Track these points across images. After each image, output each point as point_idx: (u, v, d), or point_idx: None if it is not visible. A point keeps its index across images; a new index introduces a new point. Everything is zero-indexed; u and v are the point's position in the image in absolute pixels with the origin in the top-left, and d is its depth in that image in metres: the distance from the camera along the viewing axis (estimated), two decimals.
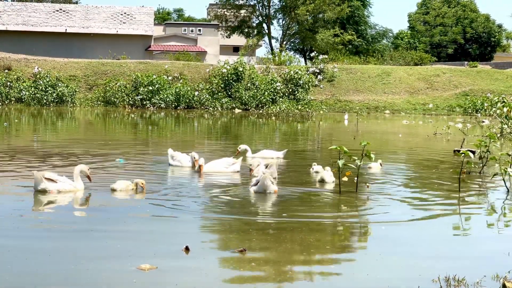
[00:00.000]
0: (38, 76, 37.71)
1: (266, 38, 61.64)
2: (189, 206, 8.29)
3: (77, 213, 7.91)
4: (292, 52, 68.49)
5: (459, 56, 76.92)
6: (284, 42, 61.16)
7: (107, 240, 6.36)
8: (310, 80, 41.27)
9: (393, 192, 9.78)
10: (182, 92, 38.14)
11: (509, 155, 11.27)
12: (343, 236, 7.07)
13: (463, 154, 10.26)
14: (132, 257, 5.72)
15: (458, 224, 7.87)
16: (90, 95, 38.59)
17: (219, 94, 39.13)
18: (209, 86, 39.53)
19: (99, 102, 37.97)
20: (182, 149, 13.35)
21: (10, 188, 9.30)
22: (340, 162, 9.21)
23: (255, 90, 39.18)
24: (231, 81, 39.27)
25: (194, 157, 11.55)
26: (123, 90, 38.10)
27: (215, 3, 63.17)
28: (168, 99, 37.96)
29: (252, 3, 59.80)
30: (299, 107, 39.26)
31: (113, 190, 8.99)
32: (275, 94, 39.63)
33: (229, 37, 60.61)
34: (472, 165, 11.08)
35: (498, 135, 21.31)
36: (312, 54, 46.47)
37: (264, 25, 60.29)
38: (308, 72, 42.47)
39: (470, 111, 40.15)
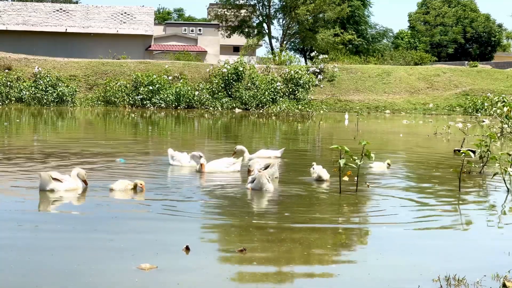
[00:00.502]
0: (38, 76, 37.71)
1: (266, 38, 61.71)
2: (189, 206, 8.29)
3: (78, 213, 7.90)
4: (292, 52, 68.59)
5: (460, 55, 76.95)
6: (285, 42, 61.17)
7: (107, 240, 6.36)
8: (310, 80, 41.27)
9: (394, 192, 9.78)
10: (182, 92, 38.14)
11: (510, 155, 11.26)
12: (343, 236, 7.07)
13: (463, 154, 10.26)
14: (132, 256, 5.73)
15: (458, 223, 7.87)
16: (90, 95, 38.59)
17: (220, 94, 39.13)
18: (209, 86, 39.53)
19: (99, 102, 37.97)
20: (182, 148, 13.35)
21: (11, 188, 9.29)
22: (341, 162, 9.21)
23: (255, 90, 39.18)
24: (231, 81, 39.27)
25: (201, 155, 11.54)
26: (123, 90, 38.10)
27: (215, 3, 63.19)
28: (168, 99, 37.96)
29: (252, 3, 59.82)
30: (300, 107, 39.26)
31: (112, 190, 9.00)
32: (276, 94, 39.62)
33: (229, 37, 60.62)
34: (473, 165, 11.08)
35: (498, 134, 21.31)
36: (312, 54, 46.47)
37: (265, 25, 60.30)
38: (308, 72, 42.47)
39: (470, 110, 40.14)
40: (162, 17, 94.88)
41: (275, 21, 61.73)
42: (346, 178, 9.42)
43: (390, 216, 8.00)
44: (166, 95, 37.97)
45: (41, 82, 37.25)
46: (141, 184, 9.07)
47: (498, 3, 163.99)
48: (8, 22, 53.20)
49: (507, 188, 10.04)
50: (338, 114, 37.76)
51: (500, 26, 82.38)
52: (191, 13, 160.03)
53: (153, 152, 15.59)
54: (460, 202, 9.19)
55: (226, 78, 39.27)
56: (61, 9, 55.69)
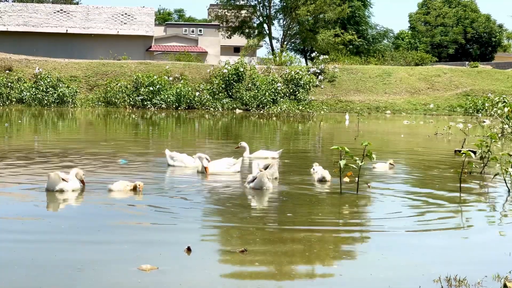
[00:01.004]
0: (39, 76, 37.74)
1: (267, 39, 61.69)
2: (190, 207, 8.29)
3: (78, 214, 7.89)
4: (293, 52, 68.56)
5: (460, 56, 76.96)
6: (285, 43, 61.17)
7: (108, 241, 6.37)
8: (311, 80, 41.28)
9: (394, 192, 9.77)
10: (183, 93, 38.15)
11: (510, 155, 11.26)
12: (344, 236, 7.07)
13: (464, 154, 10.25)
14: (133, 257, 5.73)
15: (459, 224, 7.87)
16: (91, 96, 38.61)
17: (220, 94, 39.14)
18: (210, 87, 39.55)
19: (100, 103, 37.99)
20: (183, 149, 13.35)
21: (12, 188, 9.29)
22: (342, 162, 9.21)
23: (256, 91, 39.19)
24: (232, 81, 39.29)
25: (207, 158, 11.56)
26: (124, 91, 38.12)
27: (215, 3, 63.21)
28: (169, 100, 37.97)
29: (252, 4, 59.83)
30: (300, 108, 39.27)
31: (110, 190, 9.01)
32: (276, 94, 39.63)
33: (230, 38, 60.63)
34: (473, 165, 11.07)
35: (499, 135, 21.30)
36: (313, 55, 46.49)
37: (265, 25, 60.31)
38: (309, 73, 42.48)
39: (471, 111, 40.14)
40: (162, 18, 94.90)
41: (275, 22, 61.79)
42: (346, 179, 9.42)
43: (390, 217, 8.00)
44: (166, 96, 37.98)
45: (42, 83, 37.28)
46: (139, 185, 9.07)
47: (499, 3, 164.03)
48: (8, 23, 53.23)
49: (508, 188, 10.03)
50: (339, 114, 37.76)
51: (500, 26, 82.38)
52: (192, 14, 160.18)
53: (154, 153, 15.59)
54: (461, 202, 9.18)
55: (227, 78, 39.29)
56: (61, 10, 55.73)
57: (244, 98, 38.73)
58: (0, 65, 38.54)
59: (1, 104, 36.15)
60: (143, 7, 58.29)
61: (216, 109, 38.19)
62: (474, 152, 12.64)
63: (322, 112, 39.30)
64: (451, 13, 79.98)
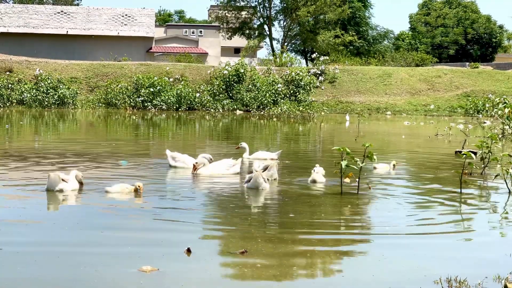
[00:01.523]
0: (39, 78, 37.74)
1: (267, 40, 61.72)
2: (190, 208, 8.29)
3: (78, 215, 7.89)
4: (293, 53, 68.58)
5: (461, 57, 76.96)
6: (285, 44, 61.18)
7: (108, 243, 6.37)
8: (311, 81, 41.28)
9: (395, 193, 9.77)
10: (183, 94, 38.16)
11: (511, 156, 11.25)
12: (345, 237, 7.07)
13: (464, 155, 10.25)
14: (133, 259, 5.72)
15: (460, 225, 7.86)
16: (91, 97, 38.62)
17: (221, 95, 39.15)
18: (210, 88, 39.55)
19: (100, 104, 38.00)
20: (184, 150, 13.35)
21: (14, 189, 9.29)
22: (343, 163, 9.21)
23: (257, 92, 39.20)
24: (232, 82, 39.29)
25: (211, 158, 11.62)
26: (124, 92, 38.13)
27: (216, 4, 63.22)
28: (169, 101, 37.98)
29: (253, 5, 59.84)
30: (301, 109, 39.27)
31: (107, 192, 9.01)
32: (276, 95, 39.64)
33: (230, 39, 60.65)
34: (474, 166, 11.07)
35: (500, 136, 21.29)
36: (313, 56, 46.49)
37: (265, 26, 60.34)
38: (309, 74, 42.48)
39: (471, 112, 40.13)
40: (163, 19, 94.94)
41: (276, 23, 61.79)
42: (347, 180, 9.41)
43: (391, 218, 8.00)
44: (167, 97, 37.99)
45: (42, 84, 37.29)
46: (139, 187, 9.07)
47: (499, 4, 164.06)
48: (9, 24, 53.27)
49: (509, 189, 10.03)
50: (339, 115, 37.75)
51: (501, 27, 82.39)
52: (192, 15, 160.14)
53: (155, 154, 15.59)
54: (462, 203, 9.18)
55: (227, 79, 39.29)
56: (62, 11, 55.74)
57: (245, 99, 38.74)
58: (0, 66, 38.54)
59: (1, 106, 36.16)
60: (144, 8, 58.32)
61: (217, 110, 38.20)
62: (475, 153, 12.64)
63: (322, 113, 39.30)
64: (452, 14, 80.00)
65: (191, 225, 7.32)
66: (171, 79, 39.72)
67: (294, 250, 6.30)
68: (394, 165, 12.61)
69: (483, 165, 12.24)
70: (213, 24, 65.43)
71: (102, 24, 54.80)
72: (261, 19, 60.41)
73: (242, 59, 42.47)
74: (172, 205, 8.51)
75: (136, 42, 54.71)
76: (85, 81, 39.64)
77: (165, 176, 11.39)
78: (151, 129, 24.96)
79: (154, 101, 37.92)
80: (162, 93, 38.12)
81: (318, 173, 10.64)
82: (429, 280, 5.33)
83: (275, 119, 33.36)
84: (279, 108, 38.75)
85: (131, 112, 36.04)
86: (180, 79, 40.13)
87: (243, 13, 59.37)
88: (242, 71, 39.48)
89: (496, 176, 10.66)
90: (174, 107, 37.97)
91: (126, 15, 55.84)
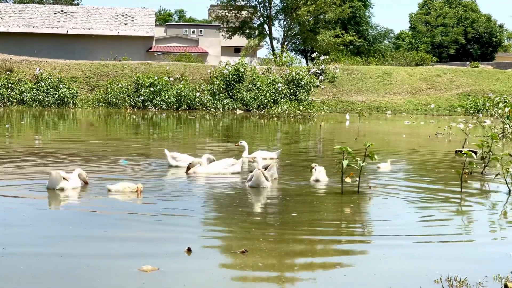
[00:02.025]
0: (39, 77, 37.75)
1: (267, 39, 61.65)
2: (191, 207, 8.29)
3: (78, 215, 7.89)
4: (294, 53, 68.55)
5: (461, 56, 76.90)
6: (286, 43, 61.15)
7: (108, 242, 6.37)
8: (312, 80, 41.27)
9: (395, 193, 9.77)
10: (183, 93, 38.17)
11: (511, 155, 11.25)
12: (346, 237, 7.07)
13: (465, 155, 10.25)
14: (133, 258, 5.72)
15: (460, 224, 7.86)
16: (91, 97, 38.62)
17: (221, 95, 39.15)
18: (211, 87, 39.55)
19: (100, 104, 38.00)
20: (184, 150, 13.35)
21: (15, 188, 9.28)
22: (345, 163, 9.20)
23: (257, 91, 39.20)
24: (232, 82, 39.29)
25: (214, 159, 11.66)
26: (124, 92, 38.13)
27: (216, 4, 63.19)
28: (169, 100, 37.99)
29: (253, 4, 59.80)
30: (301, 108, 39.26)
31: (109, 191, 9.03)
32: (277, 95, 39.63)
33: (230, 38, 60.62)
34: (474, 166, 11.07)
35: (500, 135, 21.29)
36: (314, 55, 46.47)
37: (265, 26, 60.29)
38: (309, 73, 42.48)
39: (471, 111, 40.13)
40: (163, 19, 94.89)
41: (276, 22, 61.73)
42: (348, 180, 9.40)
43: (391, 217, 8.00)
44: (167, 97, 37.99)
45: (43, 84, 37.29)
46: (138, 187, 9.07)
47: (499, 3, 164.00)
48: (9, 24, 53.26)
49: (509, 188, 10.03)
50: (339, 115, 37.75)
51: (501, 26, 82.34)
52: (192, 15, 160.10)
53: (155, 153, 15.59)
54: (462, 203, 9.18)
55: (227, 79, 39.29)
56: (62, 11, 55.73)
57: (245, 98, 38.74)
58: (0, 66, 38.55)
59: (1, 105, 36.16)
60: (144, 8, 58.29)
61: (217, 109, 38.20)
62: (475, 152, 12.63)
63: (322, 112, 39.30)
64: (452, 13, 79.93)
65: (191, 224, 7.32)
66: (171, 79, 39.71)
67: (295, 249, 6.29)
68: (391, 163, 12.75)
69: (483, 165, 12.23)
70: (213, 23, 65.39)
71: (102, 23, 54.79)
72: (261, 18, 60.36)
73: (242, 58, 42.46)
74: (172, 204, 8.51)
75: (136, 41, 54.70)
76: (85, 80, 39.64)
77: (166, 175, 11.39)
78: (151, 129, 24.96)
79: (154, 100, 37.92)
80: (162, 93, 38.12)
81: (321, 172, 10.63)
82: (429, 279, 5.34)
83: (275, 119, 33.36)
84: (279, 108, 38.74)
85: (131, 111, 36.05)
86: (180, 78, 40.12)
87: (243, 12, 59.33)
88: (242, 70, 39.48)
89: (497, 175, 10.66)
90: (174, 107, 37.97)
91: (126, 14, 55.82)
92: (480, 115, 38.32)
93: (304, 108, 39.35)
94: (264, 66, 43.98)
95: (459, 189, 9.88)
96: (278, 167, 11.17)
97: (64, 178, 9.02)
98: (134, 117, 31.62)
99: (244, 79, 39.63)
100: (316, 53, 47.86)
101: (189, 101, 38.28)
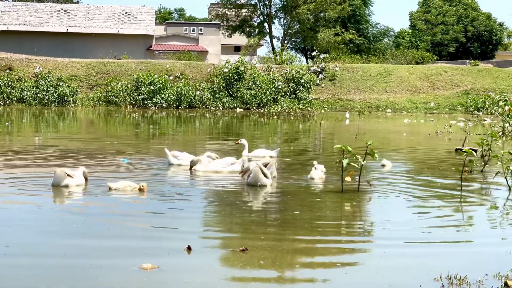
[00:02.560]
0: (39, 76, 37.74)
1: (267, 37, 61.59)
2: (191, 205, 8.30)
3: (78, 213, 7.89)
4: (294, 51, 68.50)
5: (461, 54, 76.87)
6: (286, 41, 61.11)
7: (108, 240, 6.37)
8: (312, 79, 41.26)
9: (395, 191, 9.77)
10: (183, 92, 38.16)
11: (511, 154, 11.25)
12: (346, 235, 7.07)
13: (465, 153, 10.25)
14: (133, 256, 5.73)
15: (460, 222, 7.86)
16: (91, 95, 38.61)
17: (221, 93, 39.14)
18: (211, 86, 39.55)
19: (100, 102, 38.00)
20: (184, 148, 13.36)
21: (16, 187, 9.28)
22: (345, 161, 9.20)
23: (257, 89, 39.19)
24: (232, 80, 39.28)
25: (217, 157, 11.69)
26: (124, 90, 38.12)
27: (216, 2, 63.17)
28: (169, 99, 37.98)
29: (253, 3, 59.75)
30: (301, 106, 39.25)
31: (110, 189, 9.04)
32: (277, 93, 39.63)
33: (230, 37, 60.57)
34: (474, 164, 11.07)
35: (500, 133, 21.28)
36: (314, 53, 46.44)
37: (265, 24, 60.23)
38: (309, 71, 42.47)
39: (471, 109, 40.13)
40: (163, 17, 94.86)
41: (276, 21, 61.67)
42: (348, 179, 9.39)
43: (392, 215, 8.00)
44: (167, 95, 37.99)
45: (42, 82, 37.28)
46: (142, 186, 9.09)
47: (499, 2, 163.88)
48: (9, 22, 53.23)
49: (509, 186, 10.03)
50: (339, 113, 37.75)
51: (501, 25, 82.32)
52: (192, 13, 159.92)
53: (155, 152, 15.60)
54: (462, 201, 9.18)
55: (227, 77, 39.28)
56: (62, 9, 55.70)
57: (245, 97, 38.73)
58: (0, 64, 38.54)
59: (1, 104, 36.16)
60: (144, 6, 58.25)
61: (217, 108, 38.19)
62: (475, 151, 12.63)
63: (322, 111, 39.29)
64: (452, 11, 79.88)
65: (191, 222, 7.32)
66: (171, 77, 39.70)
67: (295, 247, 6.29)
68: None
69: (483, 163, 12.23)
70: (213, 22, 65.34)
71: (102, 22, 54.76)
72: (261, 17, 60.30)
73: (242, 57, 42.44)
74: (172, 202, 8.52)
75: (136, 40, 54.67)
76: (85, 79, 39.63)
77: (166, 174, 11.40)
78: (151, 127, 24.96)
79: (154, 99, 37.92)
80: (162, 91, 38.12)
81: (317, 170, 10.66)
82: (429, 277, 5.34)
83: (275, 117, 33.36)
84: (279, 106, 38.73)
85: (131, 110, 36.04)
86: (180, 77, 40.11)
87: (243, 11, 59.27)
88: (242, 69, 39.47)
89: (497, 173, 10.66)
90: (174, 105, 37.97)
91: (126, 13, 55.80)
92: (480, 113, 38.31)
93: (304, 107, 39.34)
94: (264, 65, 43.97)
95: (459, 187, 9.88)
96: (277, 165, 11.17)
97: (68, 175, 9.08)
98: (134, 115, 31.62)
99: (244, 78, 39.61)
100: (316, 51, 47.85)
101: (189, 100, 38.27)
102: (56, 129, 23.09)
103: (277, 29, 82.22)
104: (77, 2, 71.08)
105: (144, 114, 32.46)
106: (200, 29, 63.92)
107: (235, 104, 38.68)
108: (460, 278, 5.28)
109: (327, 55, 46.51)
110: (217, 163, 11.52)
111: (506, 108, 21.78)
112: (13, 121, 25.45)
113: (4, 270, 5.34)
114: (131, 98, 37.94)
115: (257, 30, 60.09)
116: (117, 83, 38.33)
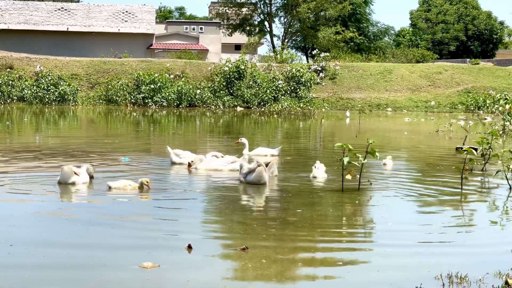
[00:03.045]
0: (40, 74, 37.73)
1: (267, 36, 61.56)
2: (191, 205, 8.31)
3: (78, 212, 7.89)
4: (294, 50, 68.48)
5: (461, 53, 76.83)
6: (286, 40, 61.09)
7: (109, 239, 6.37)
8: (312, 78, 41.24)
9: (396, 190, 9.78)
10: (184, 91, 38.14)
11: None
12: (347, 234, 7.07)
13: (465, 151, 10.25)
14: (134, 255, 5.73)
15: (461, 221, 7.87)
16: (92, 94, 38.60)
17: (221, 92, 39.13)
18: (211, 84, 39.53)
19: (101, 101, 37.99)
20: (185, 147, 13.35)
21: (18, 186, 9.29)
22: (345, 160, 9.20)
23: (257, 88, 39.18)
24: (233, 79, 39.27)
25: (222, 156, 11.72)
26: (125, 89, 38.11)
27: (216, 1, 63.14)
28: (170, 98, 37.97)
29: (253, 1, 59.72)
30: (301, 105, 39.25)
31: (110, 188, 9.03)
32: (277, 92, 39.62)
33: (231, 35, 60.54)
34: (475, 162, 11.07)
35: (500, 132, 21.28)
36: (314, 52, 46.43)
37: (266, 23, 60.21)
38: (310, 70, 42.45)
39: (472, 108, 40.12)
40: (163, 16, 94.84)
41: (276, 19, 61.64)
42: (349, 177, 9.39)
43: (392, 214, 8.01)
44: (167, 94, 37.98)
45: (43, 81, 37.27)
46: (147, 182, 9.09)
47: (500, 0, 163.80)
48: (9, 21, 53.23)
49: (509, 185, 10.03)
50: (340, 112, 37.74)
51: (501, 23, 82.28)
52: (193, 12, 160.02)
53: (156, 150, 15.60)
54: (462, 199, 9.19)
55: (228, 76, 39.26)
56: (62, 8, 55.68)
57: (245, 95, 38.72)
58: (1, 63, 38.53)
59: (2, 103, 36.16)
60: (144, 5, 58.20)
61: (217, 106, 38.19)
62: (476, 149, 12.62)
63: (323, 109, 39.29)
64: (452, 10, 79.82)
65: (192, 221, 7.33)
66: (171, 76, 39.68)
67: (296, 246, 6.30)
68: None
69: (484, 161, 12.24)
70: (213, 20, 65.32)
71: (102, 20, 54.75)
72: (261, 15, 60.28)
73: (243, 55, 42.42)
74: (173, 201, 8.52)
75: (136, 38, 54.66)
76: (86, 77, 39.62)
77: (167, 172, 11.40)
78: (151, 126, 24.96)
79: (154, 97, 37.90)
80: (162, 90, 38.11)
81: (319, 169, 10.66)
82: (430, 276, 5.34)
83: (275, 116, 33.35)
84: (280, 105, 38.72)
85: (131, 109, 36.04)
86: (181, 75, 40.09)
87: (244, 9, 59.23)
88: (242, 67, 39.46)
89: (497, 172, 10.67)
90: (175, 104, 37.96)
91: (126, 11, 55.78)
92: (481, 112, 38.30)
93: (305, 105, 39.34)
94: (265, 63, 43.95)
95: (459, 186, 9.88)
96: (278, 163, 11.17)
97: (75, 173, 9.16)
98: (135, 114, 31.62)
99: (244, 76, 39.60)
100: (317, 50, 47.81)
101: (189, 98, 38.26)
102: (56, 128, 23.09)
103: (278, 28, 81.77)
104: (78, 1, 71.05)
105: (144, 113, 32.46)
106: (201, 28, 63.92)
107: (236, 103, 38.68)
108: (460, 276, 5.28)
109: (328, 54, 46.46)
110: (217, 161, 11.53)
111: (507, 106, 21.77)
112: (14, 120, 25.44)
113: (8, 269, 5.34)
114: (132, 97, 37.93)
115: (257, 28, 60.06)
116: (118, 82, 38.32)
